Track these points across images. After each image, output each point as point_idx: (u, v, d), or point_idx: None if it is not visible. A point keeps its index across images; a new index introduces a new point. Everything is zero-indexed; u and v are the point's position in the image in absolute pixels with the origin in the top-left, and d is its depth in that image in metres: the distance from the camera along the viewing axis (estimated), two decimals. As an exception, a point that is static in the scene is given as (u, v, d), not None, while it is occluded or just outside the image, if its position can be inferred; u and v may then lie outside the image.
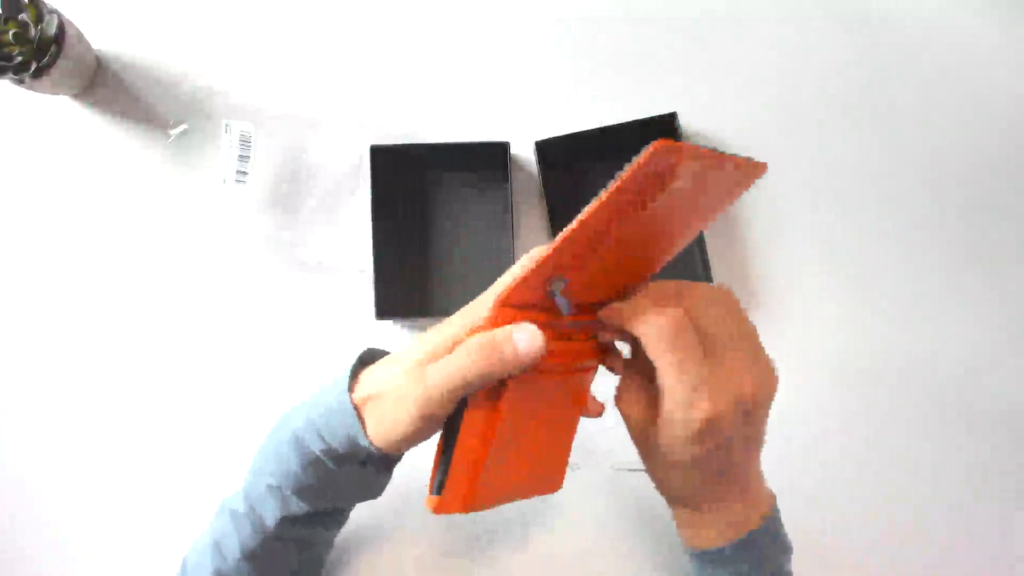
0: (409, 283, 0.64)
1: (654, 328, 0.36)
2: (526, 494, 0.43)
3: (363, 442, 0.41)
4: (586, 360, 0.42)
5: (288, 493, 0.44)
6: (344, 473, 0.44)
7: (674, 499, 0.44)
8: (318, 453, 0.43)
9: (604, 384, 0.44)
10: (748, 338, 0.39)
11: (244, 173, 0.63)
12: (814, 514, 0.60)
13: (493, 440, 0.38)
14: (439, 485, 0.37)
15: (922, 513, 0.61)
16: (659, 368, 0.36)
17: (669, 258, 0.39)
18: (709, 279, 0.62)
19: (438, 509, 0.37)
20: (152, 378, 0.63)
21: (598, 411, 0.44)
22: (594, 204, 0.31)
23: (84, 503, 0.62)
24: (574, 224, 0.32)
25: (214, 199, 0.64)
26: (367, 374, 0.43)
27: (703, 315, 0.37)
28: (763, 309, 0.64)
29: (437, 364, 0.37)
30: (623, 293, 0.39)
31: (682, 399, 0.36)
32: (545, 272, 0.35)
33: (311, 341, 0.64)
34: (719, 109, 0.67)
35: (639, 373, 0.41)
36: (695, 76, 0.67)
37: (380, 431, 0.41)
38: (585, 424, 0.45)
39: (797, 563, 0.46)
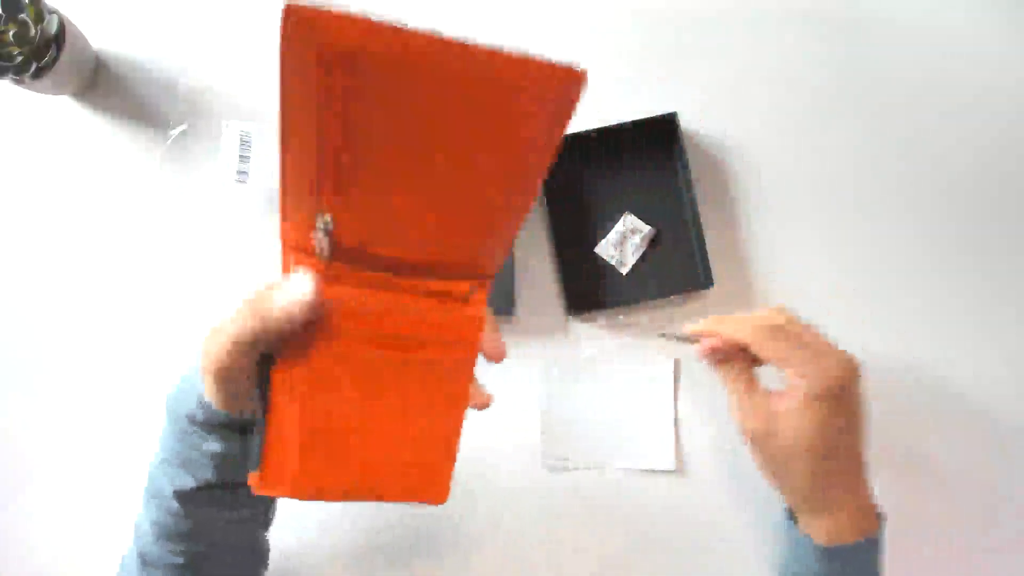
0: (409, 283, 0.64)
1: (766, 326, 0.49)
2: (395, 495, 0.38)
3: (205, 399, 0.40)
4: (438, 334, 0.36)
5: (174, 465, 0.43)
6: (207, 436, 0.42)
7: (798, 500, 0.51)
8: (184, 416, 0.42)
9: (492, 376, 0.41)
10: (818, 335, 0.49)
11: (244, 173, 0.63)
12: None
13: (308, 408, 0.34)
14: (257, 458, 0.34)
15: (927, 517, 0.61)
16: (778, 361, 0.48)
17: (508, 213, 0.33)
18: (709, 279, 0.62)
19: (260, 487, 0.34)
20: (151, 378, 0.63)
21: (483, 403, 0.39)
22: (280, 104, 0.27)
23: (84, 503, 0.62)
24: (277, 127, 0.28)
25: (214, 199, 0.64)
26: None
27: (780, 321, 0.49)
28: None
29: (217, 322, 0.37)
30: (461, 258, 0.34)
31: (802, 382, 0.47)
32: (297, 205, 0.31)
33: (311, 341, 0.64)
34: (719, 109, 0.66)
35: (745, 389, 0.50)
36: (695, 76, 0.67)
37: (204, 389, 0.40)
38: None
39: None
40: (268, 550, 0.52)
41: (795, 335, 0.48)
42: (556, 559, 0.62)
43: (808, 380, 0.47)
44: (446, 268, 0.35)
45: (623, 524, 0.62)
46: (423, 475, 0.38)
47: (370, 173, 0.30)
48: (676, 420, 0.63)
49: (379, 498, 0.37)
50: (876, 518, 0.51)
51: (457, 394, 0.37)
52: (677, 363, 0.64)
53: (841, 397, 0.47)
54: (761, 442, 0.49)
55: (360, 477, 0.37)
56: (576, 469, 0.62)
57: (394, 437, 0.37)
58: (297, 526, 0.62)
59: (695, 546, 0.62)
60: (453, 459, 0.38)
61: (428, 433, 0.37)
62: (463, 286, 0.36)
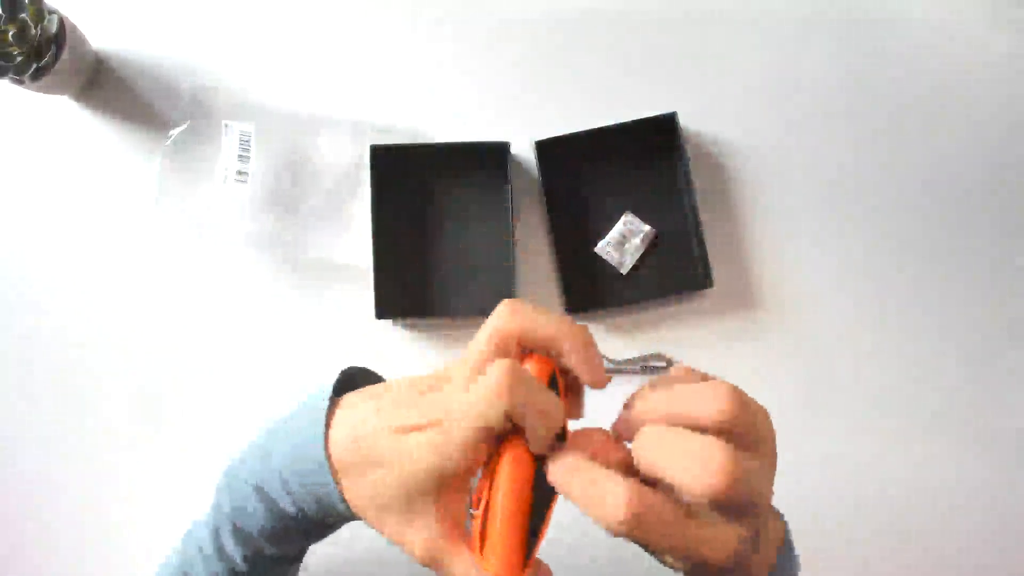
0: (409, 283, 0.64)
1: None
2: None
3: (340, 507, 0.36)
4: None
5: (258, 538, 0.41)
6: (316, 526, 0.40)
7: None
8: (288, 513, 0.38)
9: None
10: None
11: (244, 173, 0.63)
12: (816, 515, 0.60)
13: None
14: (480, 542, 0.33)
15: (927, 519, 0.61)
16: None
17: None
18: (709, 279, 0.62)
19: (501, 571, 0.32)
20: (150, 377, 0.64)
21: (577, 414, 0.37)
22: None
23: (81, 503, 0.62)
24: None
25: (214, 199, 0.64)
26: (347, 422, 0.36)
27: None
28: (762, 310, 0.64)
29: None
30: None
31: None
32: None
33: (311, 341, 0.64)
34: (719, 109, 0.66)
35: None
36: (695, 76, 0.67)
37: (368, 503, 0.35)
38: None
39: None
40: None
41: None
42: (564, 563, 0.62)
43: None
44: None
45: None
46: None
47: None
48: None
49: None
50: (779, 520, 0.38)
51: None
52: (678, 365, 0.64)
53: None
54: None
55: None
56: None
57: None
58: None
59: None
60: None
61: None
62: None
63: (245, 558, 0.41)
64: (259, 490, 0.39)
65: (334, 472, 0.35)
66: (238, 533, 0.40)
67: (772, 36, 0.68)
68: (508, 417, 0.31)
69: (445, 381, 0.35)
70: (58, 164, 0.66)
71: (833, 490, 0.61)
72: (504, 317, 0.33)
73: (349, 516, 0.37)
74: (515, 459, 0.32)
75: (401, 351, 0.64)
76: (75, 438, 0.63)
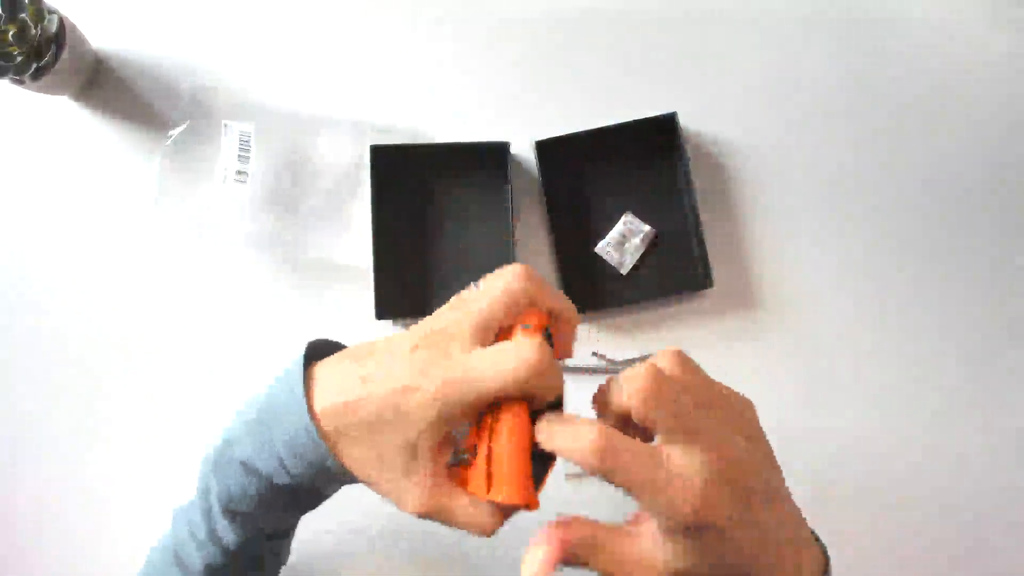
0: (409, 283, 0.64)
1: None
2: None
3: (335, 470, 0.37)
4: None
5: (250, 515, 0.41)
6: (308, 495, 0.41)
7: None
8: (281, 484, 0.39)
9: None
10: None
11: (244, 173, 0.63)
12: (815, 516, 0.60)
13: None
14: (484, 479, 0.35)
15: (927, 519, 0.61)
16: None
17: None
18: (709, 280, 0.62)
19: (506, 497, 0.34)
20: (150, 377, 0.64)
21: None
22: None
23: (81, 504, 0.62)
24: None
25: (214, 199, 0.64)
26: (330, 389, 0.37)
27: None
28: (763, 310, 0.64)
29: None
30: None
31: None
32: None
33: (311, 341, 0.64)
34: (719, 109, 0.66)
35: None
36: (695, 76, 0.67)
37: (370, 469, 0.37)
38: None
39: None
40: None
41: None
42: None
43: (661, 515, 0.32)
44: None
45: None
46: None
47: None
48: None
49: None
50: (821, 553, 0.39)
51: None
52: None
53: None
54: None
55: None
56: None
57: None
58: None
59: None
60: None
61: None
62: None
63: (238, 537, 0.41)
64: (248, 466, 0.39)
65: (326, 438, 0.36)
66: (230, 513, 0.41)
67: (772, 36, 0.68)
68: (525, 387, 0.34)
69: (443, 337, 0.36)
70: (58, 164, 0.66)
71: (833, 490, 0.61)
72: (520, 281, 0.36)
73: (345, 479, 0.38)
74: (517, 413, 0.35)
75: (401, 351, 0.64)
76: (75, 438, 0.63)
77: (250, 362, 0.63)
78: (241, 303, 0.64)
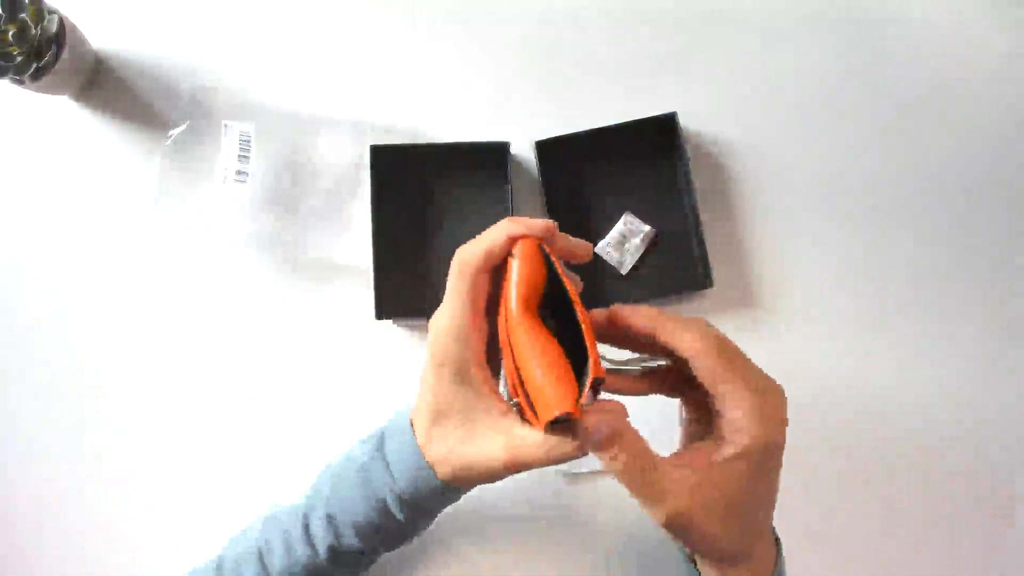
0: (409, 283, 0.64)
1: (712, 343, 0.39)
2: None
3: (428, 475, 0.42)
4: None
5: (347, 528, 0.45)
6: (408, 521, 0.44)
7: (714, 554, 0.40)
8: (391, 508, 0.43)
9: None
10: (750, 361, 0.41)
11: (244, 173, 0.63)
12: (816, 515, 0.60)
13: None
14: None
15: (928, 518, 0.61)
16: (728, 389, 0.39)
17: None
18: (709, 280, 0.62)
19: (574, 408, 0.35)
20: (150, 378, 0.64)
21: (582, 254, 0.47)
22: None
23: (81, 504, 0.62)
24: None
25: (214, 199, 0.64)
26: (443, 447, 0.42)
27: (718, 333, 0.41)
28: (762, 310, 0.64)
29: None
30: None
31: (750, 423, 0.39)
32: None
33: (311, 342, 0.64)
34: (719, 109, 0.66)
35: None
36: (695, 76, 0.67)
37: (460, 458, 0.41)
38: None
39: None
40: None
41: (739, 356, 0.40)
42: (573, 568, 0.62)
43: (760, 421, 0.38)
44: None
45: (638, 527, 0.62)
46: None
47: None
48: (682, 420, 0.63)
49: None
50: (775, 544, 0.44)
51: None
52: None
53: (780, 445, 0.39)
54: (690, 517, 0.37)
55: None
56: (592, 472, 0.62)
57: None
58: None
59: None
60: None
61: None
62: None
63: (329, 547, 0.45)
64: (364, 479, 0.43)
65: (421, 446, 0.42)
66: (330, 520, 0.44)
67: (772, 36, 0.68)
68: (511, 231, 0.40)
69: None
70: (58, 164, 0.66)
71: (833, 489, 0.61)
72: (501, 225, 0.41)
73: (439, 485, 0.42)
74: (529, 326, 0.39)
75: (401, 351, 0.64)
76: (75, 438, 0.63)
77: (250, 361, 0.64)
78: (241, 303, 0.64)
